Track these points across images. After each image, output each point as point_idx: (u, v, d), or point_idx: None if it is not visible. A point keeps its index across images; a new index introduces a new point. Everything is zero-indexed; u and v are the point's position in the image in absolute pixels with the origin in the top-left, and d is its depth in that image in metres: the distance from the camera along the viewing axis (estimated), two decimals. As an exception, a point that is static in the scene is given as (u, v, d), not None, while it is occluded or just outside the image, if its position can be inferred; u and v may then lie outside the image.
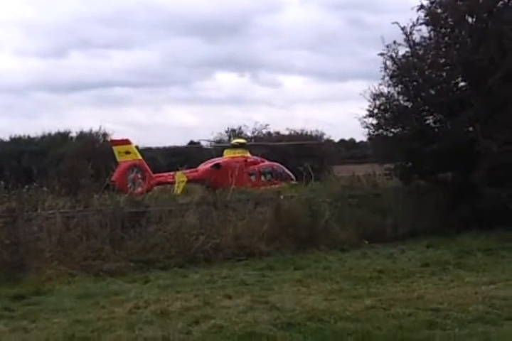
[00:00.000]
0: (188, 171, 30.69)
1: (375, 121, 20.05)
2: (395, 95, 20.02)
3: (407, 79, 19.66)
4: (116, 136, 41.60)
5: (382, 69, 19.79)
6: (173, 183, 28.78)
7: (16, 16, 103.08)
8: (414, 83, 19.60)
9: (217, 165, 31.29)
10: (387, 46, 19.60)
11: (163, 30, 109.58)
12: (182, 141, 68.81)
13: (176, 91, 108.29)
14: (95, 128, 51.65)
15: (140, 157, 30.17)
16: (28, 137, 63.79)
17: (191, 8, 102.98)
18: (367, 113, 19.92)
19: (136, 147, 32.46)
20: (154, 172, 30.36)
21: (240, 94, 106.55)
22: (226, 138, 50.77)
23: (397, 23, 19.43)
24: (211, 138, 51.95)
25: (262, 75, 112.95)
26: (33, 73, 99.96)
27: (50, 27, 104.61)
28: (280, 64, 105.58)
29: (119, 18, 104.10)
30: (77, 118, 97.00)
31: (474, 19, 19.19)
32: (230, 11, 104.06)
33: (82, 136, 53.66)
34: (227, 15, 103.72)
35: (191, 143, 54.28)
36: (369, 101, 19.91)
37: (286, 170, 32.99)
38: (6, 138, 64.06)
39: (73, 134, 58.99)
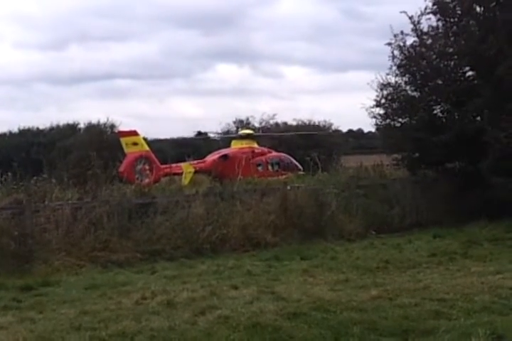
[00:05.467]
0: (195, 162, 30.70)
1: (382, 111, 20.06)
2: (403, 85, 19.99)
3: (414, 68, 19.61)
4: (122, 128, 41.68)
5: (390, 58, 19.79)
6: (180, 174, 28.82)
7: (15, 10, 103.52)
8: (422, 73, 19.54)
9: (224, 156, 31.27)
10: (395, 36, 19.56)
11: (160, 23, 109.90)
12: (188, 132, 68.32)
13: (178, 83, 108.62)
14: (102, 120, 51.70)
15: (147, 148, 30.16)
16: (37, 129, 63.92)
17: (187, 0, 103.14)
18: (374, 103, 19.91)
19: (145, 138, 32.46)
20: (162, 164, 30.37)
21: (242, 85, 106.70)
22: (234, 129, 50.67)
23: (405, 12, 19.41)
24: (219, 129, 51.97)
25: (262, 66, 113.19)
26: (35, 66, 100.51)
27: (49, 20, 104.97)
28: (279, 55, 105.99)
29: (115, 11, 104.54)
30: (81, 110, 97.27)
31: (482, 8, 19.09)
32: (225, 3, 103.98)
33: (90, 127, 53.63)
34: (223, 8, 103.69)
35: (199, 134, 54.15)
36: (376, 91, 19.91)
37: (294, 161, 32.96)
38: (15, 130, 64.27)
39: (81, 126, 59.10)
